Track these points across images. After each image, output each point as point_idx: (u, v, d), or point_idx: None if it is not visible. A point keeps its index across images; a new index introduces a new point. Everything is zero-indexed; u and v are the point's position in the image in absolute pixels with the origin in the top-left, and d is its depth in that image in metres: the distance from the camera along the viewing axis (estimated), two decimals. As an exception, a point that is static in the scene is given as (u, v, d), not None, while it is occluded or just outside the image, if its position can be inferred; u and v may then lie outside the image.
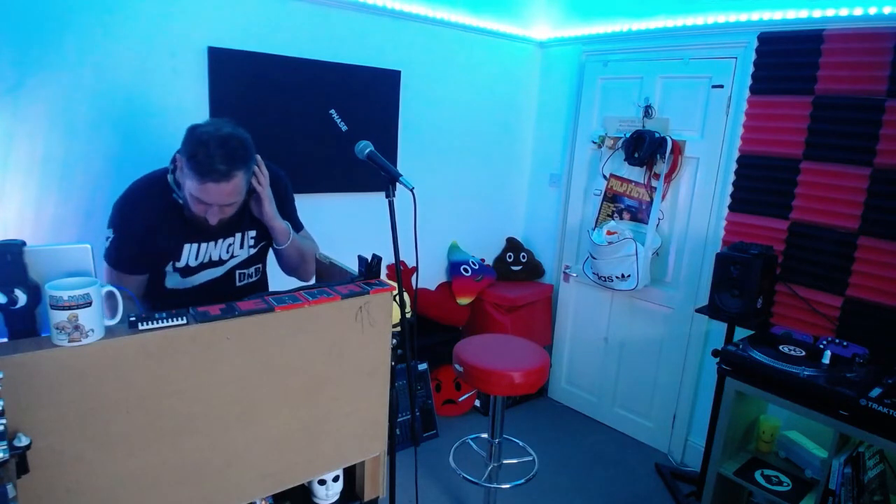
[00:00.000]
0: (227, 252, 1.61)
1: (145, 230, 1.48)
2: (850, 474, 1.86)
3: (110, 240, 1.48)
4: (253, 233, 1.63)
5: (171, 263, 1.56)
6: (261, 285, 1.76)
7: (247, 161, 1.42)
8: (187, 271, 1.58)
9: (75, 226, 2.11)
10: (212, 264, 1.60)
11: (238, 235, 1.61)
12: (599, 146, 3.16)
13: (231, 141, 1.37)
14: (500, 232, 3.70)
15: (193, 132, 1.37)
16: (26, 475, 0.90)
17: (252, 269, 1.70)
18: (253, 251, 1.66)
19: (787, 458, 2.27)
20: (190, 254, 1.55)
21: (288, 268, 1.70)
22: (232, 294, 1.64)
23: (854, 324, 2.30)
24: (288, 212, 1.68)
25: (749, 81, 2.55)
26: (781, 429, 2.33)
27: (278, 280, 1.73)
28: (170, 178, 1.46)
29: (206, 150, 1.33)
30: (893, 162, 2.16)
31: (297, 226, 1.72)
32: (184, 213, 1.49)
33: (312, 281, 1.70)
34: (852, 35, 2.23)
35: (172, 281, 1.60)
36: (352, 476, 1.49)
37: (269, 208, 1.55)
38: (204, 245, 1.56)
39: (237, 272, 1.66)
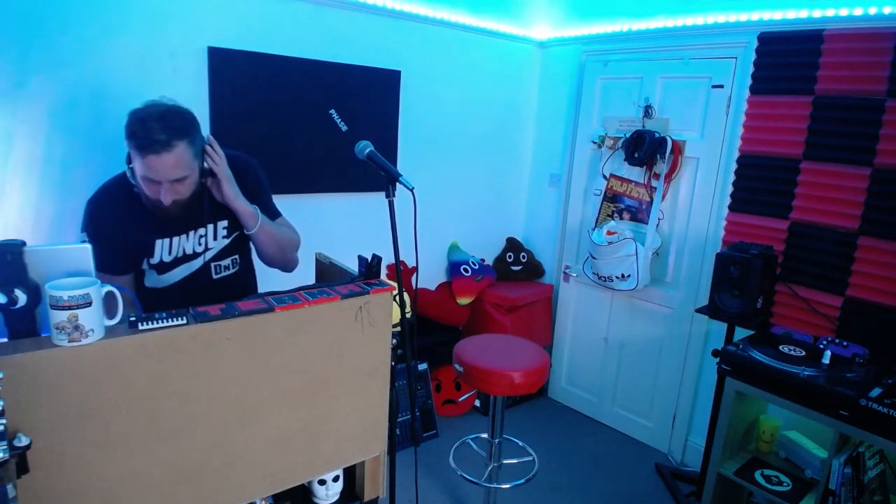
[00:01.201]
0: (200, 244, 1.60)
1: (113, 229, 1.50)
2: (850, 474, 1.86)
3: (86, 243, 1.50)
4: (225, 222, 1.62)
5: (145, 260, 1.56)
6: (242, 278, 1.73)
7: (187, 132, 1.40)
8: (163, 268, 1.58)
9: (75, 226, 2.09)
10: (186, 258, 1.59)
11: (210, 227, 1.60)
12: (599, 146, 3.16)
13: (170, 114, 1.38)
14: (500, 232, 3.70)
15: (132, 113, 1.38)
16: (26, 475, 0.90)
17: (228, 261, 1.67)
18: (226, 241, 1.64)
19: (787, 458, 2.27)
20: (163, 249, 1.55)
21: (265, 256, 1.67)
22: (210, 287, 1.63)
23: (854, 324, 2.30)
24: (261, 199, 1.65)
25: (749, 81, 2.55)
26: (781, 429, 2.33)
27: (278, 279, 1.73)
28: (128, 172, 1.45)
29: (143, 125, 1.34)
30: (893, 162, 2.16)
31: (272, 213, 1.69)
32: (144, 204, 1.48)
33: (295, 271, 1.69)
34: (852, 35, 2.23)
35: (150, 279, 1.60)
36: (352, 476, 1.49)
37: (229, 189, 1.52)
38: (175, 239, 1.56)
39: (212, 265, 1.64)
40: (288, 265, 1.71)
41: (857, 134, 2.23)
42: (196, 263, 1.61)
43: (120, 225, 1.50)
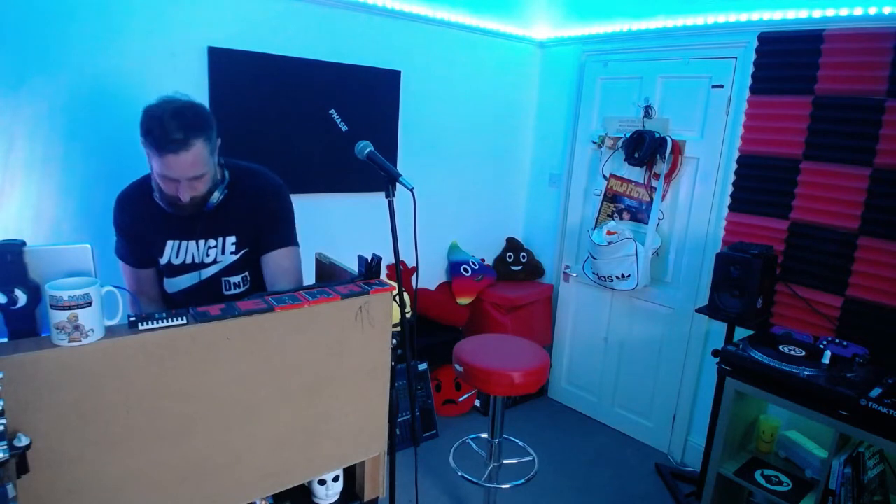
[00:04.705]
0: (209, 256, 1.58)
1: (132, 224, 1.55)
2: (850, 474, 1.86)
3: (115, 235, 1.58)
4: (233, 238, 1.58)
5: (158, 260, 1.58)
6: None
7: (205, 129, 1.39)
8: (171, 270, 1.59)
9: (75, 226, 2.11)
10: (194, 267, 1.58)
11: (220, 239, 1.57)
12: (599, 146, 3.15)
13: (185, 111, 1.36)
14: (500, 232, 3.70)
15: (147, 111, 1.36)
16: (26, 475, 0.90)
17: (239, 278, 1.64)
18: (235, 258, 1.60)
19: (787, 458, 2.26)
20: (171, 251, 1.56)
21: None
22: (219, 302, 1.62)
23: (854, 324, 2.30)
24: (280, 230, 1.58)
25: (749, 81, 2.55)
26: (781, 429, 2.33)
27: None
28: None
29: (160, 124, 1.32)
30: (893, 162, 2.16)
31: (286, 241, 1.59)
32: (160, 203, 1.47)
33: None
34: (852, 35, 2.23)
35: (165, 282, 1.63)
36: (352, 476, 1.49)
37: None
38: (185, 243, 1.56)
39: (223, 279, 1.62)
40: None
41: (857, 134, 2.23)
42: (203, 274, 1.60)
43: (137, 221, 1.54)
